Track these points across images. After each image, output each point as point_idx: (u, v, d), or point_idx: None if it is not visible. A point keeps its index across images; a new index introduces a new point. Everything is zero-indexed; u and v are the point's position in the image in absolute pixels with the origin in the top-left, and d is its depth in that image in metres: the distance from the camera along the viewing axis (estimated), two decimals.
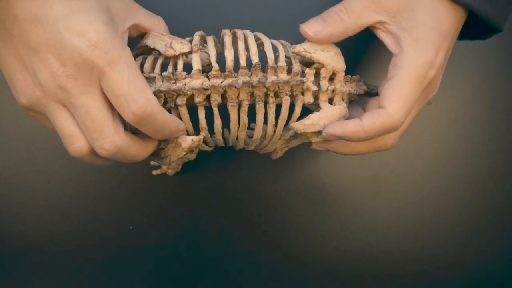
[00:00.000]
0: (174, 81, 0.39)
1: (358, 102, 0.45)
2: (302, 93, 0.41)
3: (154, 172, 0.51)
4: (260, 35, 0.41)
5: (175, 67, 0.40)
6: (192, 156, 0.47)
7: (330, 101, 0.42)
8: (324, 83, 0.41)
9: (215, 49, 0.40)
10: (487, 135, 0.55)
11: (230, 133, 0.42)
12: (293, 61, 0.41)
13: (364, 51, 0.51)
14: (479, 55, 0.54)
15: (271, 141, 0.43)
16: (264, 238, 0.54)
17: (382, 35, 0.41)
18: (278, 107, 0.41)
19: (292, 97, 0.41)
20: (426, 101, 0.43)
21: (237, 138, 0.43)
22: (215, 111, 0.40)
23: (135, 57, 0.41)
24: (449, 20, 0.40)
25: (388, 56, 0.41)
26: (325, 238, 0.54)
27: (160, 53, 0.40)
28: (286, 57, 0.41)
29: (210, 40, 0.40)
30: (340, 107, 0.42)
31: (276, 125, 0.42)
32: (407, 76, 0.38)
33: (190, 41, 0.40)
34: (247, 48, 0.41)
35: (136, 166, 0.52)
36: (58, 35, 0.33)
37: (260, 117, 0.41)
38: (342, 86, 0.42)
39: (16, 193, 0.52)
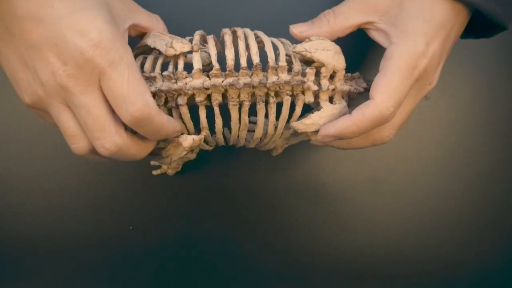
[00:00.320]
0: (174, 81, 0.39)
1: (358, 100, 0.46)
2: (303, 93, 0.41)
3: (154, 172, 0.51)
4: (260, 33, 0.41)
5: (175, 66, 0.40)
6: (193, 156, 0.47)
7: (330, 100, 0.42)
8: (324, 83, 0.41)
9: (216, 49, 0.40)
10: (487, 135, 0.55)
11: (230, 132, 0.42)
12: (293, 60, 0.41)
13: (364, 49, 0.51)
14: (479, 54, 0.54)
15: (271, 139, 0.43)
16: (264, 238, 0.54)
17: (373, 34, 0.42)
18: (279, 106, 0.41)
19: (293, 96, 0.41)
20: (423, 95, 0.42)
21: (237, 137, 0.43)
22: (216, 110, 0.40)
23: (135, 56, 0.41)
24: (443, 11, 0.39)
25: None
26: (325, 238, 0.54)
27: (160, 53, 0.40)
28: (286, 55, 0.41)
29: (211, 40, 0.40)
30: (340, 106, 0.42)
31: (277, 124, 0.42)
32: (395, 66, 0.38)
33: (190, 41, 0.40)
34: (247, 47, 0.41)
35: (136, 166, 0.52)
36: (60, 34, 0.33)
37: (261, 117, 0.41)
38: (342, 84, 0.42)
39: (16, 193, 0.52)
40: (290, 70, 0.40)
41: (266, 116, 0.41)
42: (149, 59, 0.40)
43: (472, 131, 0.55)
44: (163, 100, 0.39)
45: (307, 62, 0.42)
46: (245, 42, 0.41)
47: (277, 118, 0.42)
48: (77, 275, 0.53)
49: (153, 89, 0.38)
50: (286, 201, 0.54)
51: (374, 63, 0.51)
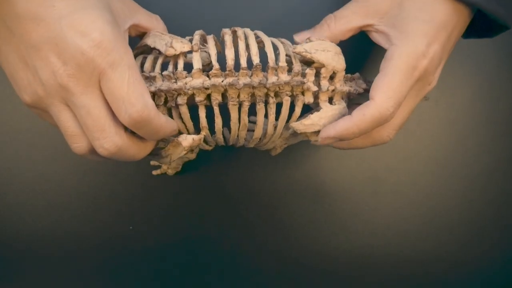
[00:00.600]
0: (174, 80, 0.39)
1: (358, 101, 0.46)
2: (302, 93, 0.41)
3: (154, 172, 0.51)
4: (260, 33, 0.41)
5: (175, 66, 0.40)
6: (192, 156, 0.47)
7: (330, 100, 0.42)
8: (324, 83, 0.41)
9: (216, 48, 0.40)
10: (487, 135, 0.55)
11: (230, 132, 0.42)
12: (293, 60, 0.41)
13: (364, 50, 0.51)
14: (480, 54, 0.54)
15: (271, 139, 0.43)
16: (264, 237, 0.54)
17: (374, 36, 0.42)
18: (278, 106, 0.41)
19: (292, 97, 0.41)
20: (423, 95, 0.42)
21: (237, 137, 0.43)
22: (216, 110, 0.40)
23: (135, 56, 0.41)
24: (444, 12, 0.39)
25: None
26: (325, 238, 0.54)
27: (160, 53, 0.40)
28: (286, 55, 0.41)
29: (210, 39, 0.40)
30: (340, 107, 0.42)
31: (276, 124, 0.42)
32: (395, 66, 0.38)
33: (190, 40, 0.40)
34: (247, 47, 0.41)
35: (136, 166, 0.52)
36: (60, 34, 0.33)
37: (260, 118, 0.41)
38: (342, 85, 0.42)
39: (16, 193, 0.52)
40: (290, 70, 0.40)
41: (266, 116, 0.41)
42: (149, 59, 0.40)
43: (472, 131, 0.55)
44: (162, 99, 0.39)
45: (307, 62, 0.42)
46: (245, 42, 0.41)
47: (277, 118, 0.42)
48: (77, 275, 0.53)
49: (152, 88, 0.38)
50: (285, 201, 0.54)
51: (374, 64, 0.51)
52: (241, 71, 0.39)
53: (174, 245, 0.53)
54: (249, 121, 0.47)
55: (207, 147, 0.44)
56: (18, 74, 0.36)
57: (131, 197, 0.52)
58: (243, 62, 0.39)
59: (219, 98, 0.40)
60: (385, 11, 0.40)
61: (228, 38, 0.40)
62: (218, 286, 0.54)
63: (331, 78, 0.42)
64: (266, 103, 0.41)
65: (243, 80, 0.39)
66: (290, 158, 0.53)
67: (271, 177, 0.53)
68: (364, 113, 0.38)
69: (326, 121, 0.41)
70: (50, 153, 0.51)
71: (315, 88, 0.40)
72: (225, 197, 0.53)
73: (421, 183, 0.55)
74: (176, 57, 0.40)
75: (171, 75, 0.38)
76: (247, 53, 0.40)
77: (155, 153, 0.42)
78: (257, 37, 0.42)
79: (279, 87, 0.40)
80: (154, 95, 0.39)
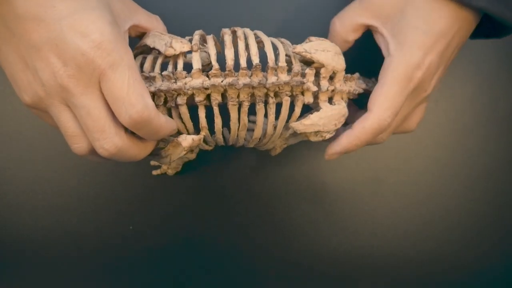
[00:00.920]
0: (174, 80, 0.39)
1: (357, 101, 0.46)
2: (302, 93, 0.41)
3: (154, 172, 0.51)
4: (260, 33, 0.41)
5: (175, 66, 0.40)
6: (192, 156, 0.47)
7: (330, 100, 0.42)
8: (324, 83, 0.41)
9: (215, 48, 0.40)
10: (487, 135, 0.55)
11: (230, 132, 0.42)
12: (293, 60, 0.41)
13: (364, 50, 0.51)
14: (480, 54, 0.54)
15: (270, 139, 0.43)
16: (264, 238, 0.54)
17: (377, 38, 0.43)
18: (278, 106, 0.41)
19: (292, 97, 0.41)
20: (419, 101, 0.43)
21: (237, 137, 0.43)
22: (216, 110, 0.40)
23: (134, 56, 0.41)
24: (444, 20, 0.39)
25: None
26: (324, 238, 0.54)
27: (160, 53, 0.40)
28: (286, 55, 0.41)
29: (210, 39, 0.40)
30: (339, 107, 0.42)
31: (276, 124, 0.42)
32: (392, 78, 0.40)
33: (190, 40, 0.40)
34: (247, 47, 0.41)
35: (136, 166, 0.52)
36: (61, 34, 0.33)
37: (260, 118, 0.41)
38: (342, 85, 0.42)
39: (16, 193, 0.52)
40: (289, 70, 0.40)
41: (266, 116, 0.41)
42: (149, 59, 0.40)
43: (472, 131, 0.55)
44: (162, 100, 0.39)
45: (307, 62, 0.42)
46: (245, 42, 0.41)
47: (277, 118, 0.42)
48: (77, 275, 0.53)
49: (152, 89, 0.38)
50: (285, 201, 0.54)
51: (374, 64, 0.51)
52: (240, 71, 0.39)
53: (174, 245, 0.53)
54: (249, 121, 0.47)
55: (207, 147, 0.44)
56: (18, 75, 0.36)
57: (131, 197, 0.52)
58: (243, 62, 0.39)
59: (219, 98, 0.40)
60: (387, 15, 0.41)
61: (227, 38, 0.40)
62: (218, 286, 0.54)
63: (331, 78, 0.42)
64: (266, 103, 0.41)
65: (243, 80, 0.39)
66: (290, 158, 0.53)
67: (271, 177, 0.53)
68: (364, 126, 0.40)
69: (325, 121, 0.41)
70: (50, 153, 0.51)
71: (314, 88, 0.40)
72: (225, 197, 0.53)
73: (421, 183, 0.55)
74: (175, 57, 0.40)
75: (171, 75, 0.38)
76: (246, 53, 0.40)
77: (155, 153, 0.42)
78: (256, 37, 0.42)
79: (278, 87, 0.40)
80: (153, 95, 0.39)
